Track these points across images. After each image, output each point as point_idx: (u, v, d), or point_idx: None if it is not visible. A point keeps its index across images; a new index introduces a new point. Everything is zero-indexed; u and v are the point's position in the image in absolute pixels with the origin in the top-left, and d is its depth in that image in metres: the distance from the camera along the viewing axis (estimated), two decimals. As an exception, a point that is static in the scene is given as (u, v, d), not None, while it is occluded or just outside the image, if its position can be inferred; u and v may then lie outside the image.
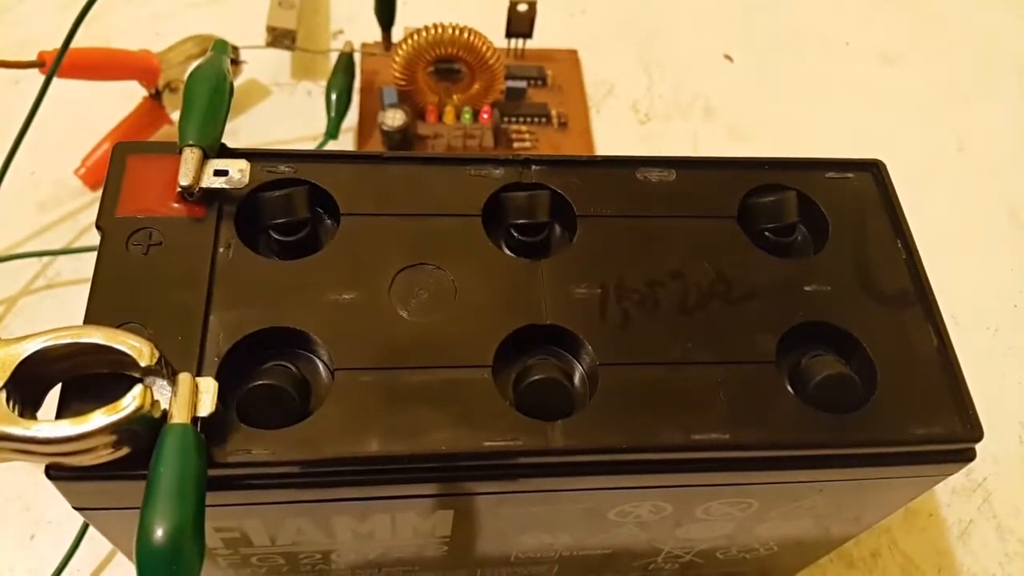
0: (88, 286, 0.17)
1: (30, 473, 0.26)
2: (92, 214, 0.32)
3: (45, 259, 0.31)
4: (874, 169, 0.21)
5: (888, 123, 0.38)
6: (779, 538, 0.22)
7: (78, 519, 0.24)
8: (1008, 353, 0.32)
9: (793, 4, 0.42)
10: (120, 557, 0.25)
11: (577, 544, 0.21)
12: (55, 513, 0.26)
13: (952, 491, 0.28)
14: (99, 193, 0.32)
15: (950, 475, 0.18)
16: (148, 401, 0.15)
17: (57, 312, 0.30)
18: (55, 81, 0.28)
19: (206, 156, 0.18)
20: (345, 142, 0.34)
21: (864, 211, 0.20)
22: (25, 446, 0.14)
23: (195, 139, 0.18)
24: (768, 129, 0.37)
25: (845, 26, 0.41)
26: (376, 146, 0.34)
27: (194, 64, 0.33)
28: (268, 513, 0.17)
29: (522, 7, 0.34)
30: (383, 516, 0.18)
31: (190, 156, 0.18)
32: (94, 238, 0.18)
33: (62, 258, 0.31)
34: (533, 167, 0.20)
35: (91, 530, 0.24)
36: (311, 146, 0.34)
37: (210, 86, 0.19)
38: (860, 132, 0.37)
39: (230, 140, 0.19)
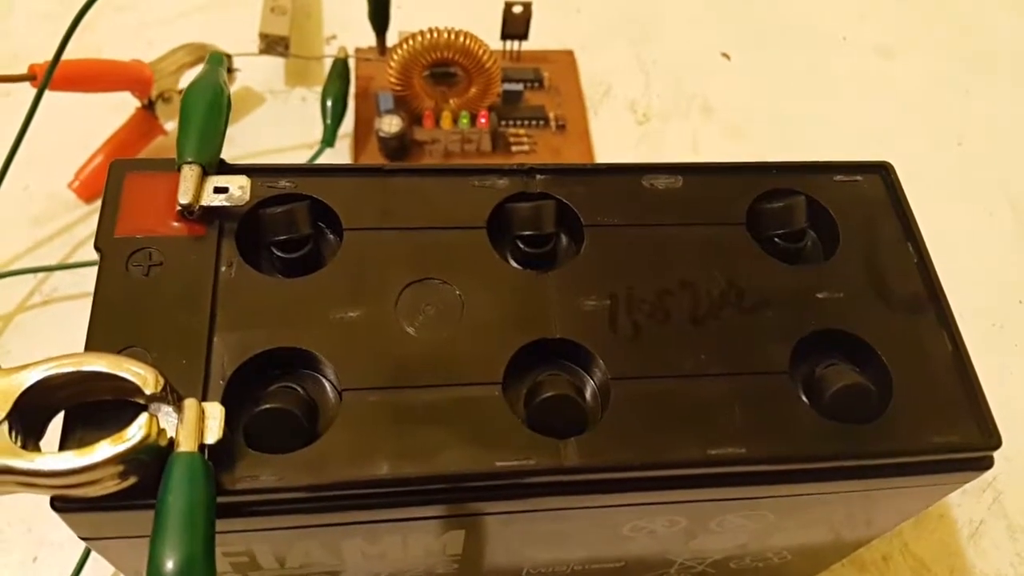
0: (85, 301, 0.17)
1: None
2: (87, 227, 0.32)
3: (41, 275, 0.30)
4: (882, 171, 0.21)
5: (887, 118, 0.38)
6: (793, 547, 0.22)
7: (81, 541, 0.24)
8: (1015, 350, 0.32)
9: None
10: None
11: (589, 558, 0.21)
12: (58, 535, 0.25)
13: (962, 491, 0.28)
14: (94, 206, 0.32)
15: (968, 482, 0.18)
16: (154, 430, 0.14)
17: (55, 328, 0.29)
18: (47, 93, 0.28)
19: (205, 173, 0.18)
20: (341, 149, 0.34)
21: (874, 214, 0.20)
22: (29, 479, 0.14)
23: (194, 156, 0.18)
24: (767, 126, 0.37)
25: (842, 21, 0.41)
26: (373, 152, 0.33)
27: (187, 73, 0.33)
28: (277, 537, 0.17)
29: (517, 8, 0.34)
30: (393, 537, 0.18)
31: (189, 174, 0.18)
32: (90, 252, 0.18)
33: (58, 273, 0.31)
34: (537, 176, 0.20)
35: (94, 552, 0.24)
36: (307, 153, 0.34)
37: (207, 101, 0.19)
38: (859, 127, 0.37)
39: (225, 149, 0.19)
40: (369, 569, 0.20)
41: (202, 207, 0.18)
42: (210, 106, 0.19)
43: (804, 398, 0.17)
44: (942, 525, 0.28)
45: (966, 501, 0.28)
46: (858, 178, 0.21)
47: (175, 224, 0.18)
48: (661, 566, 0.22)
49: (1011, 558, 0.27)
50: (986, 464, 0.17)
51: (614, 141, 0.36)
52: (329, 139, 0.33)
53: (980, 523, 0.28)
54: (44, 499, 0.15)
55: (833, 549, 0.23)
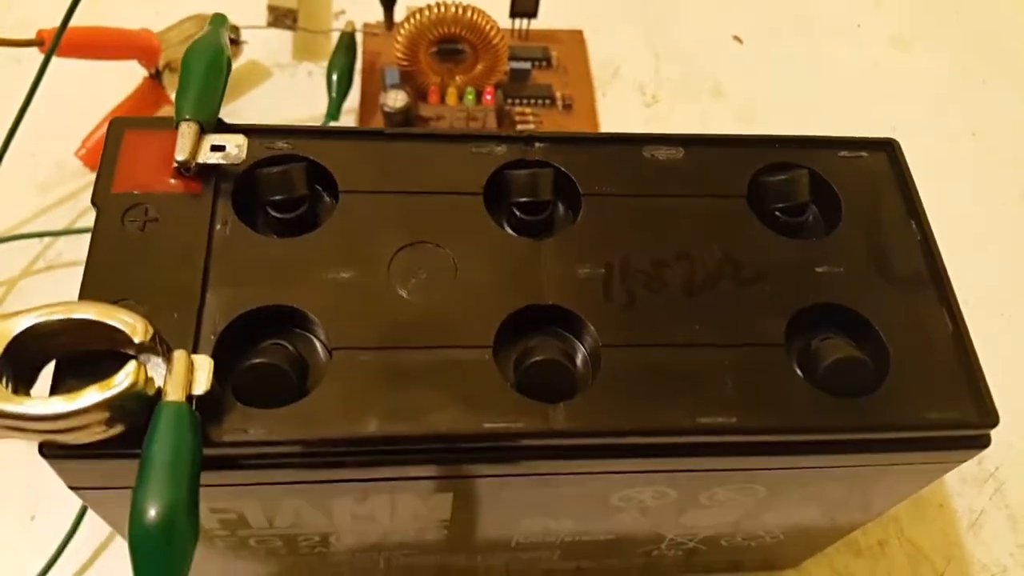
0: (88, 267, 0.17)
1: (30, 453, 0.26)
2: (92, 195, 0.32)
3: (46, 240, 0.31)
4: (888, 148, 0.20)
5: (900, 107, 0.37)
6: (785, 526, 0.21)
7: (78, 500, 0.24)
8: (1022, 339, 0.31)
9: (804, -15, 0.41)
10: (121, 538, 0.25)
11: (579, 529, 0.21)
12: (55, 494, 0.25)
13: (962, 480, 0.28)
14: (99, 174, 0.32)
15: (964, 462, 0.18)
16: (142, 378, 0.14)
17: (58, 293, 0.28)
18: (54, 61, 0.28)
19: (203, 131, 0.18)
20: (346, 123, 0.34)
21: (878, 191, 0.20)
22: (18, 423, 0.14)
23: (192, 113, 0.18)
24: (777, 112, 0.37)
25: (856, 8, 0.41)
26: (377, 127, 0.33)
27: (194, 42, 0.33)
28: (265, 494, 0.17)
29: (527, -13, 0.34)
30: (382, 498, 0.18)
31: (187, 130, 0.18)
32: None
33: (62, 239, 0.31)
34: (536, 144, 0.19)
35: (91, 511, 0.24)
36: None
37: (207, 59, 0.19)
38: (871, 116, 0.37)
39: (229, 121, 0.19)
40: (359, 533, 0.20)
41: (199, 164, 0.18)
42: (210, 65, 0.19)
43: (798, 371, 0.17)
44: (942, 514, 0.27)
45: (967, 491, 0.28)
46: (863, 154, 0.20)
47: (172, 181, 0.18)
48: (651, 541, 0.22)
49: (1011, 548, 0.27)
50: (983, 442, 0.17)
51: (621, 122, 0.36)
52: (334, 113, 0.33)
53: (981, 513, 0.27)
54: (42, 459, 0.15)
55: (826, 531, 0.22)
